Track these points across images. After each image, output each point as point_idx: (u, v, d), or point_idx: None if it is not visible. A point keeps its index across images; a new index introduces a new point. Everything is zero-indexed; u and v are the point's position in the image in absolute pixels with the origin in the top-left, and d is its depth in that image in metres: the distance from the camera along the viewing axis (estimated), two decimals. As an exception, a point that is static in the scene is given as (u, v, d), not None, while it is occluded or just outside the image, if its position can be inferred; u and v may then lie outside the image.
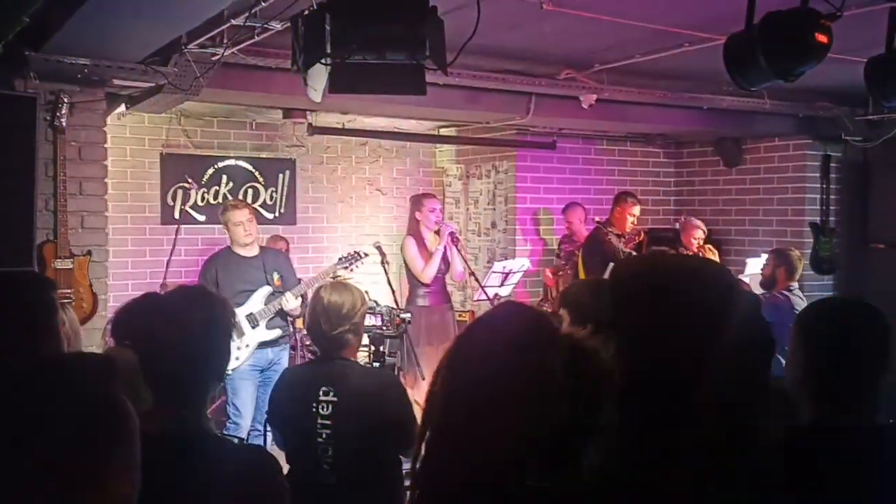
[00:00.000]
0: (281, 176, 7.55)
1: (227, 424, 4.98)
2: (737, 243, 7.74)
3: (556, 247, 7.51)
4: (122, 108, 5.33)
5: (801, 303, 5.07)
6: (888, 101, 3.58)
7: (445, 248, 5.79)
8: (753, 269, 6.16)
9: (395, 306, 4.69)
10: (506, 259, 6.86)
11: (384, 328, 4.04)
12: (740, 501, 1.25)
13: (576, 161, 7.91)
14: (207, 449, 1.71)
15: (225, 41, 4.19)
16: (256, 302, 4.99)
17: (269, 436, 3.10)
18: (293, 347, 5.73)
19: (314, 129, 7.04)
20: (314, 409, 2.80)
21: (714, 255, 6.74)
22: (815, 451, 1.71)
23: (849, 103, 6.64)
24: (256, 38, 4.06)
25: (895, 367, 1.84)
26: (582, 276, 6.44)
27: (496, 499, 1.25)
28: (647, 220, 7.53)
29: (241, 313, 4.88)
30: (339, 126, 7.33)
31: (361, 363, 3.27)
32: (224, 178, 7.27)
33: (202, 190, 7.13)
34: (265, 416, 3.25)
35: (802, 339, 1.88)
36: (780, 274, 5.31)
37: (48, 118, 4.51)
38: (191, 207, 7.12)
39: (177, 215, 6.98)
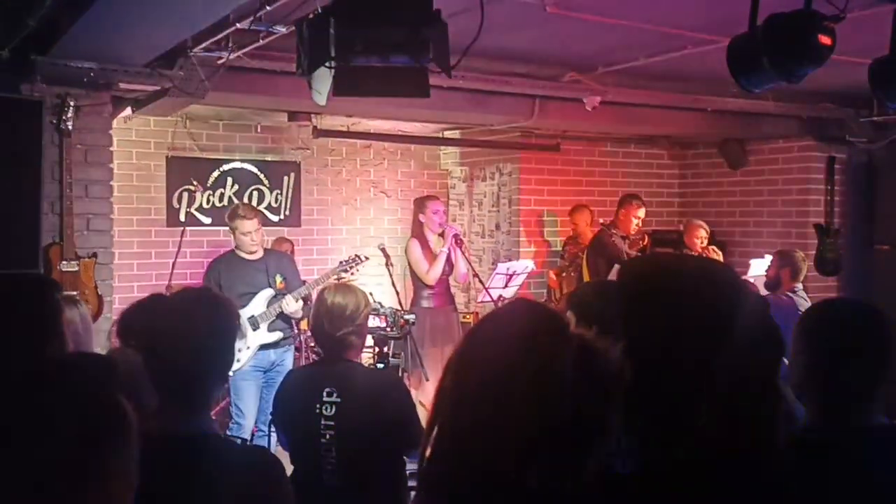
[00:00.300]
0: (286, 178, 7.57)
1: (230, 425, 5.00)
2: (741, 245, 7.73)
3: (560, 248, 7.52)
4: (128, 111, 5.36)
5: (805, 304, 5.05)
6: (893, 102, 3.57)
7: (449, 249, 5.80)
8: (758, 270, 6.15)
9: (399, 308, 4.71)
10: (510, 261, 6.87)
11: (388, 329, 4.05)
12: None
13: (580, 163, 7.91)
14: (211, 450, 1.72)
15: (230, 45, 4.21)
16: (258, 304, 5.01)
17: (274, 437, 3.11)
18: (298, 349, 5.74)
19: (319, 132, 7.06)
20: (318, 411, 2.81)
21: (718, 257, 6.72)
22: (817, 453, 1.71)
23: (854, 105, 6.63)
24: (261, 42, 4.08)
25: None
26: (586, 278, 6.44)
27: (502, 497, 1.25)
28: (652, 221, 7.53)
29: (242, 315, 4.89)
30: (344, 129, 7.35)
31: (365, 364, 3.28)
32: (229, 180, 7.30)
33: (208, 192, 7.15)
34: (269, 417, 3.26)
35: (805, 341, 1.88)
36: (784, 275, 5.30)
37: (54, 121, 4.53)
38: (196, 210, 7.14)
39: (182, 218, 6.99)
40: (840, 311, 2.00)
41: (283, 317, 5.08)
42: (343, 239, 7.84)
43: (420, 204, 6.03)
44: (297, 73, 3.08)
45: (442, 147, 8.32)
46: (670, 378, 1.27)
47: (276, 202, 7.52)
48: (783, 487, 1.33)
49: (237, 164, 7.35)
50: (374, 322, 4.08)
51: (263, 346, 5.03)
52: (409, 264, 5.91)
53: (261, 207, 7.15)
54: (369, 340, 3.57)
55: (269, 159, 7.52)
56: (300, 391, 2.94)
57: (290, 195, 7.59)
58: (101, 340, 4.59)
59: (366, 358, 4.02)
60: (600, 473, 1.30)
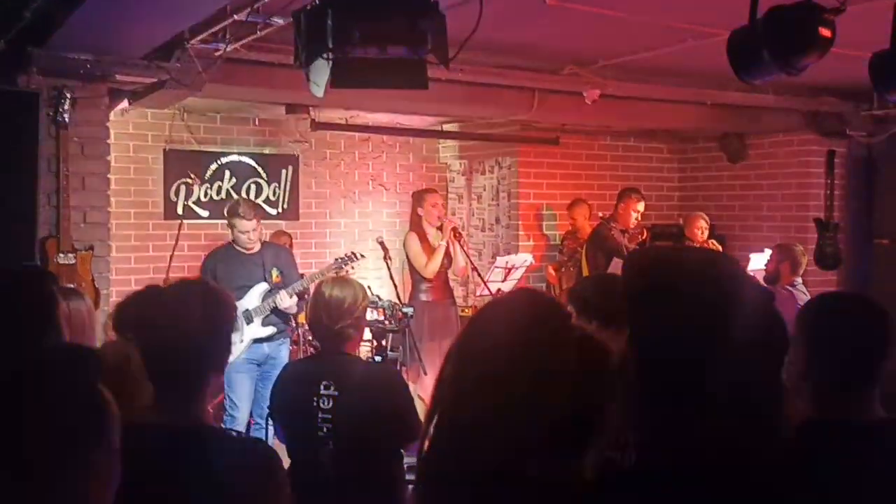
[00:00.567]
0: (284, 171, 7.55)
1: (224, 417, 5.00)
2: (741, 239, 7.72)
3: (559, 243, 7.51)
4: (125, 103, 5.33)
5: (804, 298, 5.04)
6: (893, 96, 3.57)
7: (448, 243, 5.80)
8: (757, 264, 6.14)
9: (397, 301, 4.70)
10: (509, 255, 6.86)
11: (386, 323, 4.05)
12: (748, 500, 1.24)
13: (579, 157, 7.90)
14: (207, 441, 1.71)
15: (227, 36, 4.19)
16: (253, 298, 4.99)
17: (271, 429, 3.11)
18: (295, 342, 5.73)
19: (317, 125, 7.04)
20: (315, 404, 2.80)
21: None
22: (816, 446, 1.70)
23: (854, 99, 6.62)
24: (259, 34, 4.06)
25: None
26: (585, 272, 6.44)
27: (501, 488, 1.24)
28: (651, 215, 7.52)
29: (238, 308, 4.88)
30: (342, 122, 7.33)
31: (363, 358, 3.28)
32: (227, 173, 7.28)
33: (205, 185, 7.14)
34: (266, 409, 3.25)
35: (804, 334, 1.88)
36: (783, 269, 5.29)
37: (51, 114, 4.51)
38: (194, 203, 7.13)
39: (180, 211, 6.98)
40: (839, 305, 2.00)
41: (277, 311, 5.06)
42: (341, 232, 7.83)
43: (419, 197, 6.02)
44: (294, 66, 3.07)
45: (441, 140, 8.30)
46: (672, 372, 1.26)
47: (274, 195, 7.51)
48: (783, 479, 1.32)
49: (235, 157, 7.33)
50: (372, 315, 4.07)
51: (257, 340, 5.02)
52: (408, 258, 5.90)
53: (259, 200, 7.14)
54: (367, 334, 3.56)
55: (267, 152, 7.50)
56: (297, 384, 2.93)
57: (288, 188, 7.57)
58: (98, 333, 4.58)
59: (364, 351, 4.01)
60: (600, 466, 1.30)
